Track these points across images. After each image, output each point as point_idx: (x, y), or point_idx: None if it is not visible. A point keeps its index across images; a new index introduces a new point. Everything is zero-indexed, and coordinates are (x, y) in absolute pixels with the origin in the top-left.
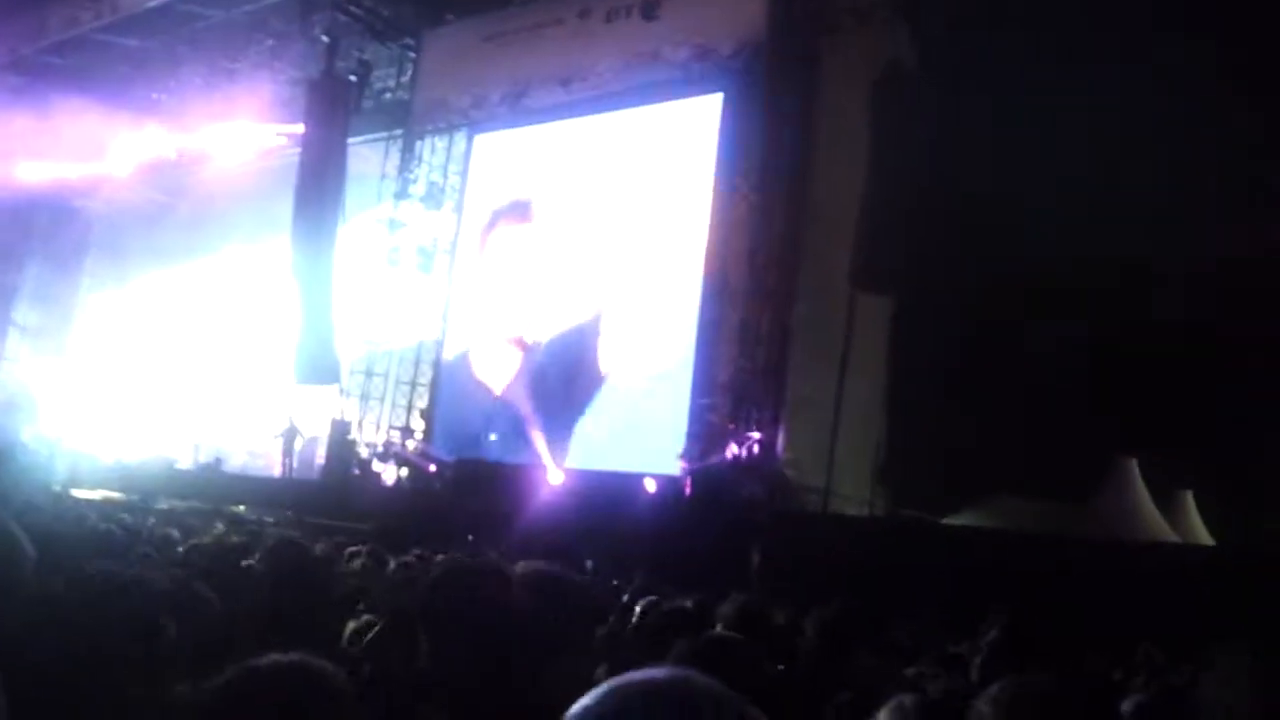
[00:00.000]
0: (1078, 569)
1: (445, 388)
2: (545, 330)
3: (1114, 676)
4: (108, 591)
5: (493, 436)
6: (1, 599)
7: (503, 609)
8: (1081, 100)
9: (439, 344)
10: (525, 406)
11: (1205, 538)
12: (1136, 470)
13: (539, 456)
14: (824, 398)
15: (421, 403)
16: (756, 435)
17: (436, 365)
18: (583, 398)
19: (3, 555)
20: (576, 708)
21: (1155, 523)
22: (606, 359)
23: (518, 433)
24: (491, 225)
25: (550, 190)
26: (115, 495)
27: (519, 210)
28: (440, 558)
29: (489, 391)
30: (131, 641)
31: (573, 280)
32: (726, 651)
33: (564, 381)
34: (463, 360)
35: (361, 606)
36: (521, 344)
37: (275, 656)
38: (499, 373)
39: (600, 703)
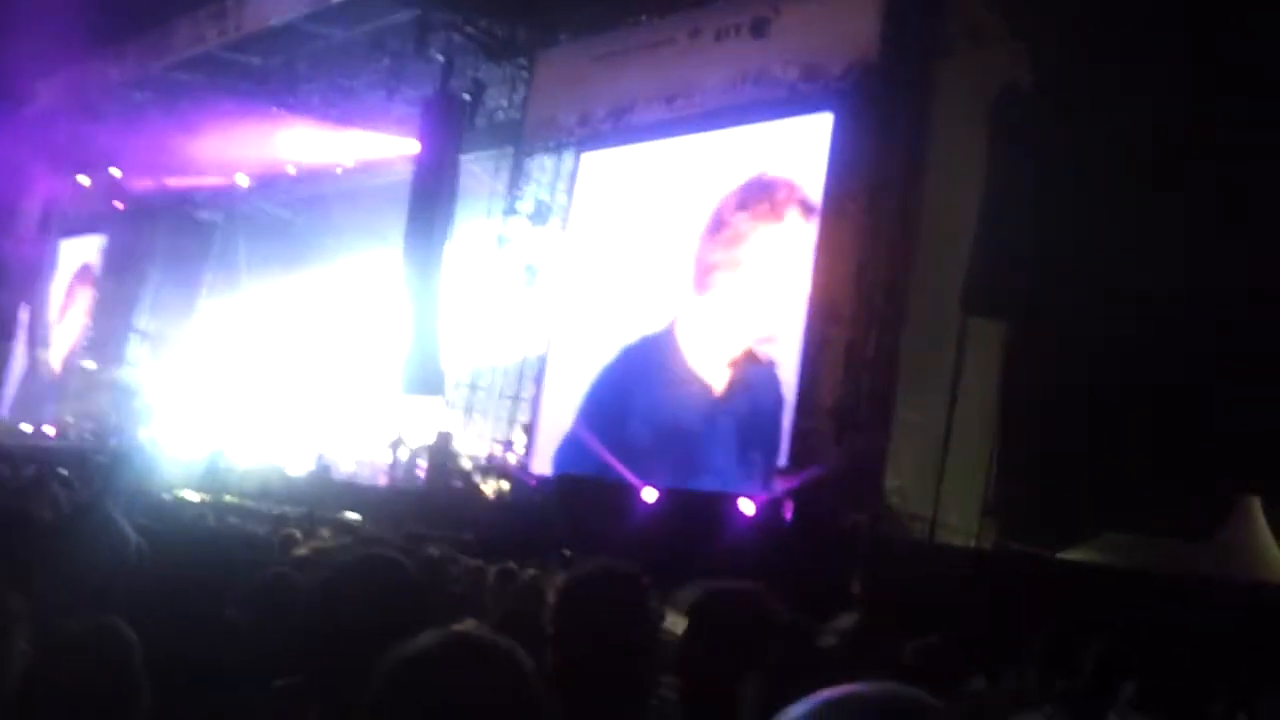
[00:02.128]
0: (1194, 608)
1: (546, 400)
2: (639, 341)
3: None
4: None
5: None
6: (109, 580)
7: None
8: (1208, 124)
9: (542, 359)
10: (607, 414)
11: None
12: (1259, 509)
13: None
14: (932, 425)
15: (524, 417)
16: (861, 461)
17: (539, 380)
18: (675, 411)
19: (112, 545)
20: None
21: (1278, 563)
22: (704, 374)
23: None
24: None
25: (655, 207)
26: (229, 498)
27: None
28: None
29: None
30: None
31: (673, 294)
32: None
33: (653, 394)
34: (562, 370)
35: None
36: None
37: (455, 629)
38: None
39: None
